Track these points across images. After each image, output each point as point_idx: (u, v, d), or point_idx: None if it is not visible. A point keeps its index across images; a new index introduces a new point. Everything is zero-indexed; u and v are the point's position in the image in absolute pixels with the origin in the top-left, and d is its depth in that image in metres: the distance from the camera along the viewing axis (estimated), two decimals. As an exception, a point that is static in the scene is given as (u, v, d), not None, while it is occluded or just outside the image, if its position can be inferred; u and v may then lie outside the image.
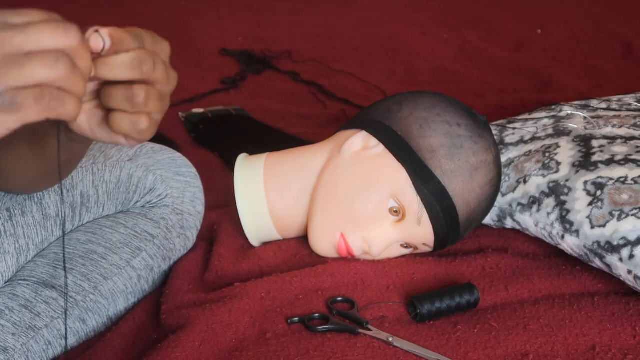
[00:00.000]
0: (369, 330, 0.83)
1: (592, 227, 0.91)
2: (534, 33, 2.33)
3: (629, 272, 0.87)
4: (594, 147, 1.00)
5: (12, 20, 0.48)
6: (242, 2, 2.71)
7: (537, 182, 0.98)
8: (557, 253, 1.00)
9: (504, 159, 1.05)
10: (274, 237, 1.02)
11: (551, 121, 1.10)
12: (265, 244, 1.02)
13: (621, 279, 0.89)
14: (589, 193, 0.93)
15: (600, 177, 0.94)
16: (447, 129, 0.91)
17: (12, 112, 0.47)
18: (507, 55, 2.10)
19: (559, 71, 1.93)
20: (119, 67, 0.53)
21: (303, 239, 1.01)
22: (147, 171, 0.94)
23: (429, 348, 0.81)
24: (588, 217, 0.91)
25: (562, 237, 0.94)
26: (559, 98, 1.52)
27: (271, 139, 1.42)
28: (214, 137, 1.44)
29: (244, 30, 2.35)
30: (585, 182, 0.94)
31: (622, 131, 1.03)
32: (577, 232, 0.92)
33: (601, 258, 0.90)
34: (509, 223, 1.02)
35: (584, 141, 1.02)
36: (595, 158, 0.97)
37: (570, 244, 0.93)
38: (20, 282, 0.83)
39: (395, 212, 0.92)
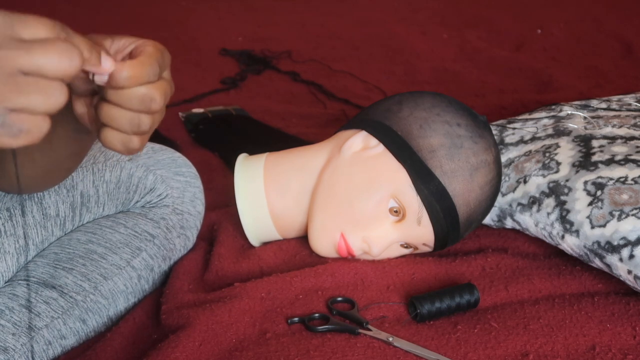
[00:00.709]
0: (369, 330, 0.83)
1: (592, 227, 0.91)
2: (534, 33, 2.34)
3: (629, 272, 0.87)
4: (594, 147, 1.00)
5: (19, 32, 0.47)
6: (242, 2, 2.72)
7: (537, 182, 0.98)
8: (557, 253, 1.00)
9: (504, 159, 1.05)
10: (274, 237, 1.02)
11: (551, 121, 1.10)
12: (265, 244, 1.02)
13: (621, 279, 0.89)
14: (589, 193, 0.93)
15: (600, 177, 0.94)
16: (447, 129, 0.91)
17: (14, 138, 0.47)
18: (507, 55, 2.10)
19: (559, 71, 1.93)
20: (130, 100, 0.54)
21: (303, 239, 1.01)
22: (147, 171, 0.94)
23: (429, 348, 0.81)
24: (588, 217, 0.91)
25: (562, 237, 0.94)
26: (559, 98, 1.52)
27: (271, 139, 1.42)
28: (214, 137, 1.44)
29: (244, 30, 2.35)
30: (586, 182, 0.94)
31: (622, 131, 1.03)
32: (577, 232, 0.92)
33: (601, 258, 0.90)
34: (509, 223, 1.02)
35: (584, 141, 1.02)
36: (595, 158, 0.97)
37: (570, 244, 0.93)
38: (20, 282, 0.83)
39: (395, 212, 0.92)
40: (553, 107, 1.17)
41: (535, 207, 0.97)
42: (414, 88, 1.78)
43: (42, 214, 0.88)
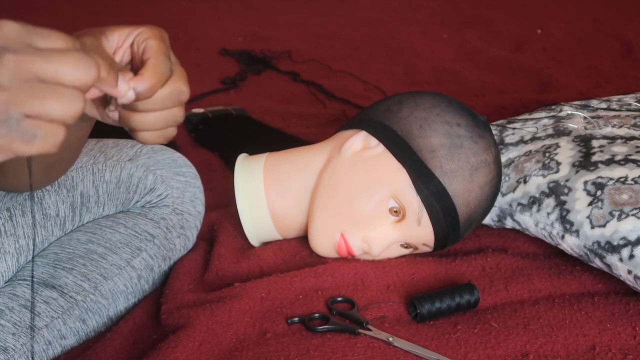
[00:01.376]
0: (369, 330, 0.83)
1: (592, 227, 0.91)
2: (534, 33, 2.34)
3: (629, 272, 0.87)
4: (594, 147, 1.00)
5: (36, 42, 0.47)
6: (242, 2, 2.72)
7: (537, 182, 0.98)
8: (557, 253, 1.00)
9: (504, 159, 1.05)
10: (274, 237, 1.02)
11: (551, 121, 1.10)
12: (265, 244, 1.02)
13: (621, 279, 0.89)
14: (589, 193, 0.93)
15: (600, 177, 0.94)
16: (447, 129, 0.91)
17: (29, 144, 0.47)
18: (507, 55, 2.10)
19: (559, 71, 1.93)
20: (161, 102, 0.56)
21: (303, 239, 1.01)
22: (147, 171, 0.94)
23: (429, 348, 0.81)
24: (588, 217, 0.91)
25: (562, 237, 0.94)
26: (559, 98, 1.52)
27: (271, 139, 1.42)
28: (214, 137, 1.44)
29: (244, 30, 2.35)
30: (586, 182, 0.94)
31: (622, 131, 1.03)
32: (577, 232, 0.92)
33: (601, 258, 0.90)
34: (509, 223, 1.02)
35: (584, 141, 1.02)
36: (595, 158, 0.97)
37: (570, 244, 0.93)
38: (20, 282, 0.83)
39: (396, 212, 0.92)
40: (553, 107, 1.17)
41: (535, 207, 0.97)
42: (414, 88, 1.78)
43: (42, 214, 0.88)
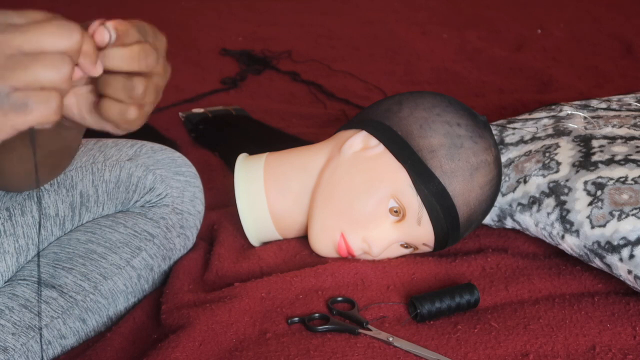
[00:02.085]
0: (369, 330, 0.83)
1: (592, 227, 0.91)
2: (534, 33, 2.34)
3: (629, 272, 0.87)
4: (594, 147, 1.00)
5: (13, 20, 0.47)
6: (242, 2, 2.72)
7: (537, 182, 0.98)
8: (557, 253, 1.00)
9: (504, 159, 1.05)
10: (274, 237, 1.02)
11: (551, 121, 1.10)
12: (265, 243, 1.02)
13: (621, 279, 0.89)
14: (589, 193, 0.93)
15: (600, 177, 0.94)
16: (447, 129, 0.91)
17: (22, 114, 0.47)
18: (507, 55, 2.10)
19: (559, 71, 1.93)
20: (124, 59, 0.53)
21: (303, 239, 1.01)
22: (147, 171, 0.94)
23: (429, 348, 0.81)
24: (588, 217, 0.91)
25: (562, 237, 0.94)
26: (559, 98, 1.52)
27: (271, 139, 1.42)
28: (214, 137, 1.44)
29: (244, 30, 2.35)
30: (586, 182, 0.94)
31: (622, 131, 1.03)
32: (577, 232, 0.92)
33: (601, 258, 0.90)
34: (509, 223, 1.02)
35: (584, 141, 1.02)
36: (595, 158, 0.97)
37: (570, 244, 0.93)
38: (20, 281, 0.83)
39: (396, 212, 0.92)
40: (553, 107, 1.16)
41: (535, 207, 0.97)
42: (414, 88, 1.78)
43: (42, 214, 0.88)
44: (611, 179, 0.93)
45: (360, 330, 0.83)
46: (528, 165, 1.01)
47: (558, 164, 0.99)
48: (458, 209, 0.90)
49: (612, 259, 0.88)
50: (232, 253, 0.98)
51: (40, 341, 0.80)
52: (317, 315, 0.85)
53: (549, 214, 0.95)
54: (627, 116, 1.09)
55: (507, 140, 1.08)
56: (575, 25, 2.41)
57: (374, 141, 0.94)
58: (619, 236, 0.88)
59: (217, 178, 1.26)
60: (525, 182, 1.00)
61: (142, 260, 0.91)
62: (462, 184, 0.90)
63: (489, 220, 1.04)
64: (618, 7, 2.62)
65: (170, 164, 0.97)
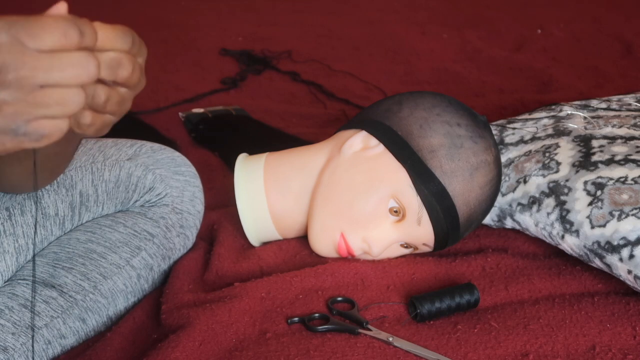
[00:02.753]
0: (369, 330, 0.83)
1: (592, 227, 0.90)
2: (534, 33, 2.33)
3: (629, 272, 0.87)
4: (594, 147, 1.00)
5: (26, 42, 0.46)
6: (242, 2, 2.72)
7: (537, 182, 0.98)
8: (557, 253, 1.00)
9: (504, 159, 1.05)
10: (274, 237, 1.02)
11: (551, 121, 1.10)
12: (265, 243, 1.02)
13: (621, 279, 0.89)
14: (589, 193, 0.93)
15: (600, 177, 0.94)
16: (447, 129, 0.91)
17: (35, 142, 0.49)
18: (507, 55, 2.10)
19: (559, 71, 1.93)
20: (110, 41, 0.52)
21: (303, 239, 1.01)
22: (147, 170, 0.94)
23: (429, 348, 0.81)
24: (588, 217, 0.91)
25: (562, 237, 0.94)
26: (559, 98, 1.52)
27: (271, 139, 1.42)
28: (214, 137, 1.44)
29: (244, 30, 2.35)
30: (585, 182, 0.94)
31: (622, 131, 1.03)
32: (577, 232, 0.92)
33: (601, 258, 0.90)
34: (509, 223, 1.02)
35: (584, 141, 1.02)
36: (595, 158, 0.97)
37: (570, 244, 0.93)
38: (19, 281, 0.83)
39: (395, 212, 0.92)
40: (553, 107, 1.16)
41: (535, 207, 0.97)
42: (414, 88, 1.78)
43: (42, 214, 0.88)
44: (611, 179, 0.93)
45: (360, 330, 0.83)
46: (528, 165, 1.01)
47: (558, 164, 0.99)
48: (458, 209, 0.90)
49: (612, 259, 0.88)
50: (232, 253, 0.98)
51: (32, 341, 0.79)
52: (317, 315, 0.85)
53: (548, 214, 0.95)
54: (627, 116, 1.09)
55: (507, 140, 1.08)
56: (575, 25, 2.41)
57: (374, 141, 0.94)
58: (619, 236, 0.88)
59: (217, 178, 1.26)
60: (525, 182, 1.00)
61: (141, 259, 0.91)
62: (462, 184, 0.90)
63: (489, 220, 1.04)
64: (618, 7, 2.62)
65: (169, 163, 0.97)
